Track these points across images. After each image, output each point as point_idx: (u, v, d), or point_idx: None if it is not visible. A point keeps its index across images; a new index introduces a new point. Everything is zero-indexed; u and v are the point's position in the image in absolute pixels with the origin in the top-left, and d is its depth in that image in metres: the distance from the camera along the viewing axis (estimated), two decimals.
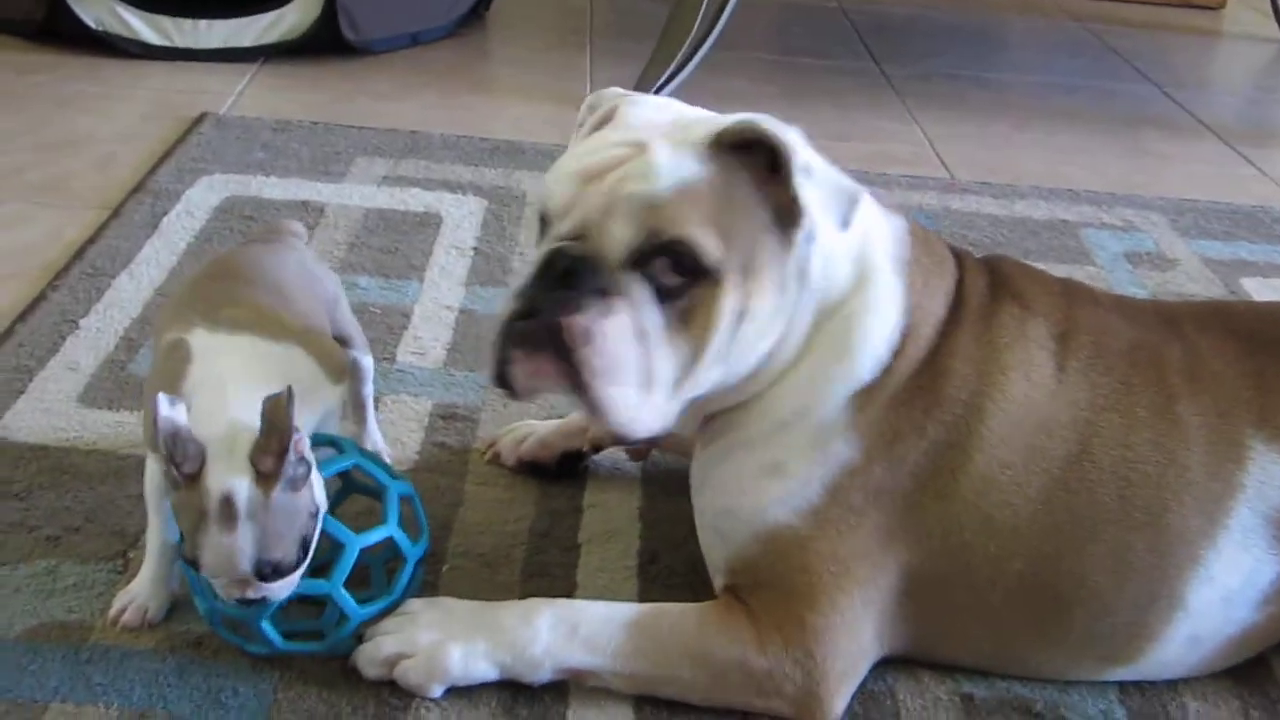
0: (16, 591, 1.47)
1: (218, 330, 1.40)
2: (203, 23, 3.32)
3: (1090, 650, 1.45)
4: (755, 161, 1.34)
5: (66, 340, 1.99)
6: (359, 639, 1.40)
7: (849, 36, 4.21)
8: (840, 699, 1.40)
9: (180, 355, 1.37)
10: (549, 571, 1.58)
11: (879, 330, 1.41)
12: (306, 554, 1.29)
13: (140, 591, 1.45)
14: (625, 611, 1.41)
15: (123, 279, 2.18)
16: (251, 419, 1.25)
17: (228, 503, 1.23)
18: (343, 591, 1.36)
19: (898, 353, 1.41)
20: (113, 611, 1.44)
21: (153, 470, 1.42)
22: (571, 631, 1.39)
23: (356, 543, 1.36)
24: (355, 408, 1.72)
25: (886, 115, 3.50)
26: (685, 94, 3.35)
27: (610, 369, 1.30)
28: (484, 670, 1.38)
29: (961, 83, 3.85)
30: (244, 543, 1.23)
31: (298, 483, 1.25)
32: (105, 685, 1.36)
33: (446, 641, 1.38)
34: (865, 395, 1.40)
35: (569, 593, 1.55)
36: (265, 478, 1.23)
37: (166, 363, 1.39)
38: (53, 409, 1.81)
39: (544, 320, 1.30)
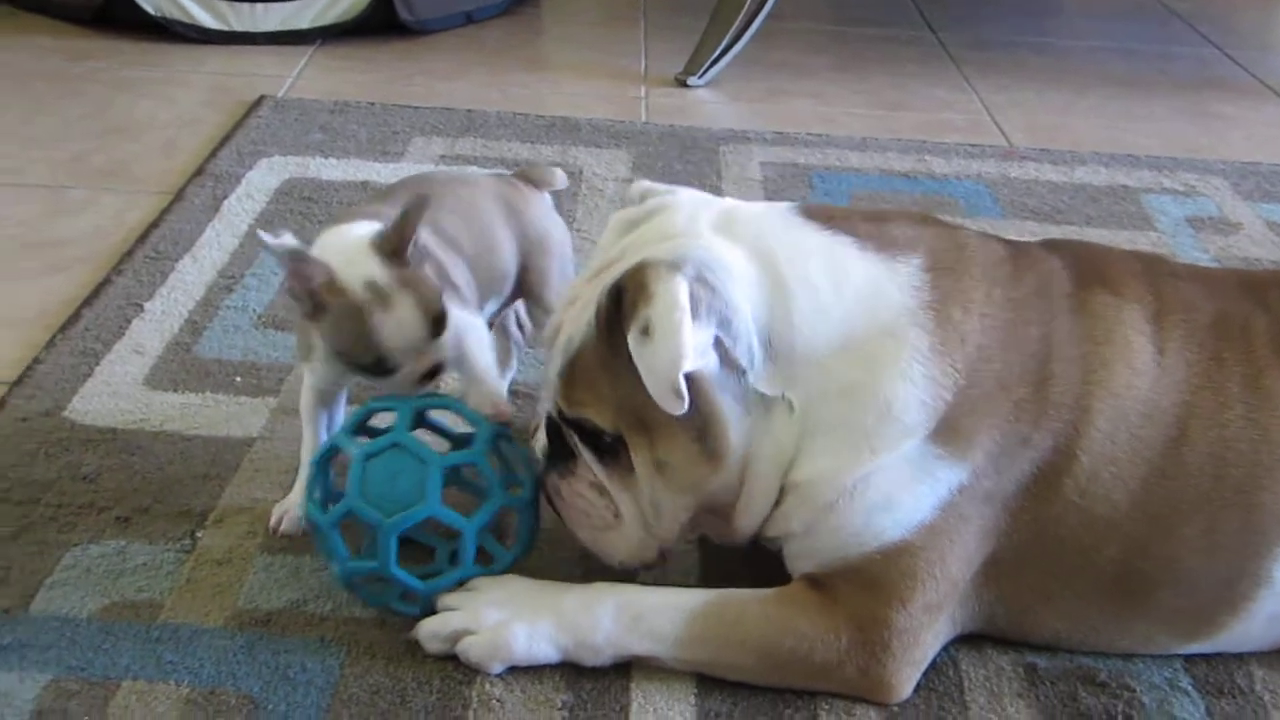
0: (88, 571, 1.50)
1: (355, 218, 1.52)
2: (259, 6, 3.34)
3: (1169, 628, 1.44)
4: None
5: (132, 324, 2.01)
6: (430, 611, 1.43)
7: (904, 5, 4.18)
8: (910, 684, 1.40)
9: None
10: None
11: (909, 388, 1.34)
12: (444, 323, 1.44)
13: (298, 502, 1.55)
14: (688, 600, 1.41)
15: (185, 262, 2.20)
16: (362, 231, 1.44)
17: (373, 285, 1.40)
18: (474, 534, 1.42)
19: (964, 386, 1.35)
20: (271, 522, 1.57)
21: (308, 385, 1.56)
22: (634, 621, 1.39)
23: (500, 499, 1.44)
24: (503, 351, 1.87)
25: (943, 84, 3.47)
26: (740, 67, 3.36)
27: (577, 518, 1.46)
28: (546, 652, 1.40)
29: (1019, 49, 3.82)
30: (406, 308, 1.40)
31: (420, 261, 1.44)
32: (175, 663, 1.38)
33: (511, 621, 1.39)
34: (946, 430, 1.35)
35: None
36: (394, 255, 1.41)
37: None
38: (120, 392, 1.84)
39: (537, 477, 1.49)
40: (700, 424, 1.35)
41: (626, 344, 1.31)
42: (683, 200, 1.46)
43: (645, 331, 1.28)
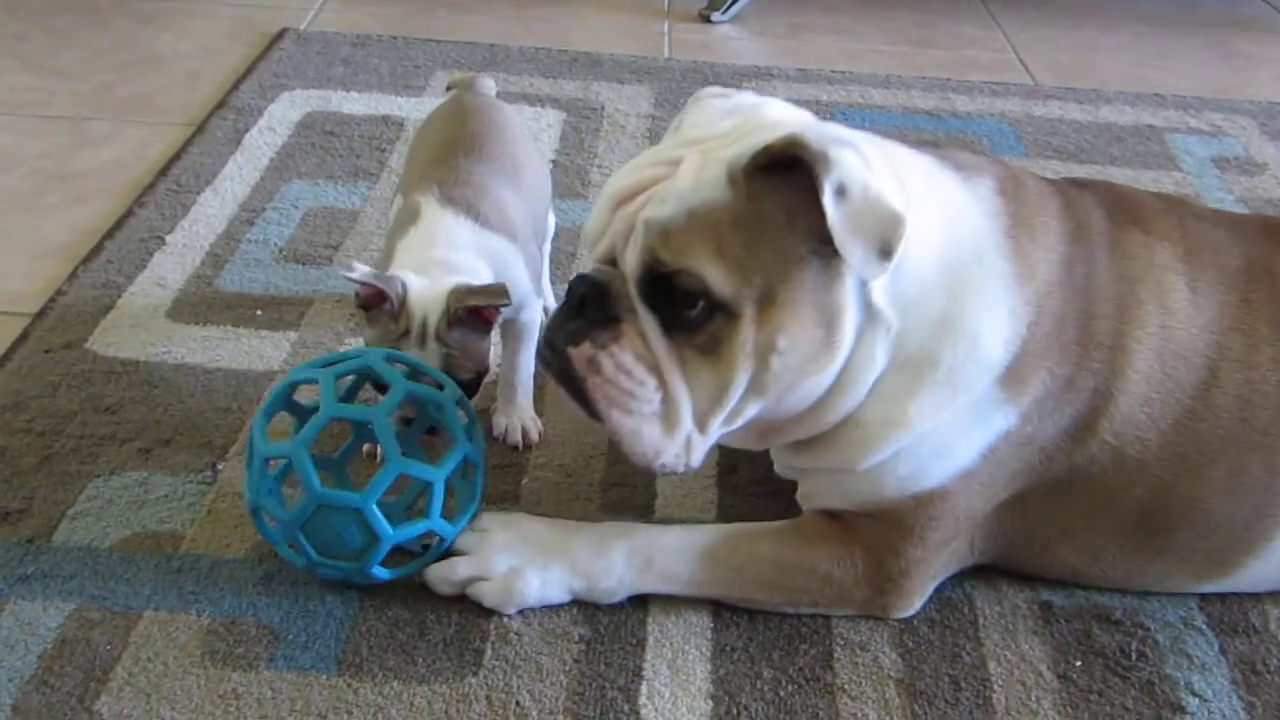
0: (110, 502, 1.51)
1: (448, 206, 1.59)
2: None
3: (1187, 568, 1.45)
4: (798, 182, 1.21)
5: (154, 256, 2.02)
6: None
7: None
8: (920, 602, 1.42)
9: (411, 215, 1.59)
10: (627, 482, 1.59)
11: (995, 321, 1.31)
12: (477, 388, 1.52)
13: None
14: (700, 540, 1.42)
15: (207, 195, 2.21)
16: (455, 271, 1.51)
17: (424, 325, 1.46)
18: (442, 526, 1.38)
19: (1033, 321, 1.33)
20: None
21: None
22: (646, 564, 1.40)
23: (440, 478, 1.37)
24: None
25: (969, 20, 3.45)
26: (764, 3, 3.33)
27: (617, 399, 1.28)
28: (559, 596, 1.40)
29: None
30: (432, 357, 1.46)
31: (476, 337, 1.49)
32: (197, 593, 1.40)
33: (524, 568, 1.40)
34: (1015, 370, 1.32)
35: (648, 503, 1.57)
36: (459, 320, 1.46)
37: (402, 216, 1.61)
38: (142, 324, 1.85)
39: (556, 350, 1.31)
40: (831, 311, 1.26)
41: (774, 211, 1.23)
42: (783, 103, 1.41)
43: (842, 193, 1.18)
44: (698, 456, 1.32)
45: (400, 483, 1.37)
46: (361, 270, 1.46)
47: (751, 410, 1.30)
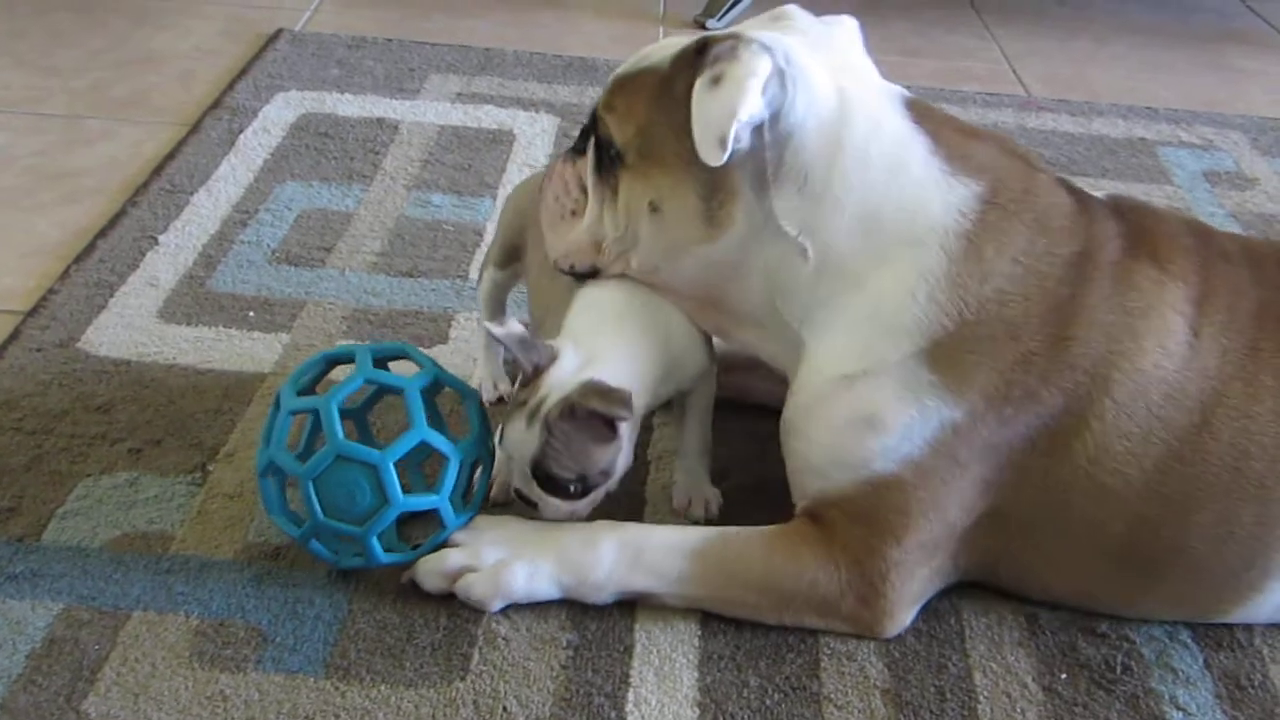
0: (99, 502, 1.51)
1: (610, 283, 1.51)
2: None
3: (1173, 609, 1.45)
4: None
5: (146, 256, 2.02)
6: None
7: None
8: (908, 618, 1.42)
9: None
10: (620, 486, 1.59)
11: (906, 303, 1.35)
12: (585, 494, 1.42)
13: (484, 375, 1.76)
14: (689, 538, 1.42)
15: (201, 196, 2.21)
16: (601, 367, 1.39)
17: (539, 406, 1.37)
18: (448, 500, 1.40)
19: (970, 320, 1.34)
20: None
21: (489, 279, 1.76)
22: (635, 559, 1.41)
23: (457, 456, 1.40)
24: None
25: (963, 31, 3.46)
26: (759, 10, 3.31)
27: (547, 197, 1.52)
28: (546, 590, 1.41)
29: None
30: (529, 443, 1.38)
31: (596, 440, 1.38)
32: (186, 594, 1.40)
33: (512, 560, 1.40)
34: (941, 357, 1.35)
35: (638, 509, 1.57)
36: (572, 413, 1.36)
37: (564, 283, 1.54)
38: (134, 324, 1.85)
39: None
40: (712, 186, 1.36)
41: (688, 89, 1.33)
42: (811, 26, 1.45)
43: (715, 81, 1.30)
44: (583, 262, 1.49)
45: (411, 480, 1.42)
46: (505, 331, 1.42)
47: (635, 259, 1.45)
